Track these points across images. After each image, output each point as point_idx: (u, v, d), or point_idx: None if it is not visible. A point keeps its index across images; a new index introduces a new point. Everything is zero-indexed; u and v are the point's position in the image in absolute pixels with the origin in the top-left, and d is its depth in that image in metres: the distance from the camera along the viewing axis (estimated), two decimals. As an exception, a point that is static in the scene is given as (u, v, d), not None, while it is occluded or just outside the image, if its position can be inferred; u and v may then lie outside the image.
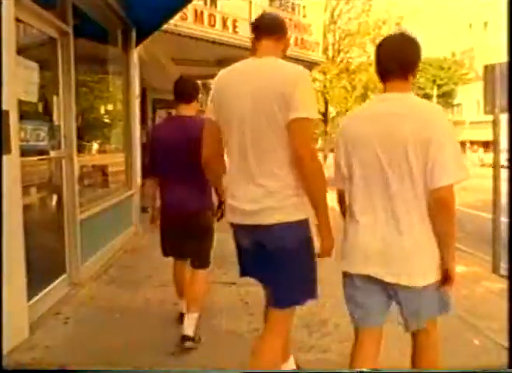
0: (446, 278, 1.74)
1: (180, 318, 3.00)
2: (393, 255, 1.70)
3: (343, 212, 1.99)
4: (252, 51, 2.01)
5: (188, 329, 2.82)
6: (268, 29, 1.97)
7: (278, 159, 1.82)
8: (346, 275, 1.88)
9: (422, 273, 1.71)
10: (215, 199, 2.92)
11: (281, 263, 1.85)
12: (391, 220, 1.71)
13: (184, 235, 2.91)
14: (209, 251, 2.97)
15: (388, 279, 1.72)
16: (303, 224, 1.85)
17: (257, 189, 1.82)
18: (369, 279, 1.77)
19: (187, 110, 2.93)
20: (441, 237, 1.70)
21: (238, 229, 1.97)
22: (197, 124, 2.56)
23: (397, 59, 1.77)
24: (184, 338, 2.80)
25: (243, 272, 2.08)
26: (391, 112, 1.73)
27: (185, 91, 2.93)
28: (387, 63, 1.79)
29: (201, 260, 2.95)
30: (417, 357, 1.92)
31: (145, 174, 2.87)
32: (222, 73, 2.01)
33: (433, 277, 1.72)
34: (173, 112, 4.11)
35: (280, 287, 1.88)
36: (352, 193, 1.83)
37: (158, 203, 3.04)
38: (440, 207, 1.65)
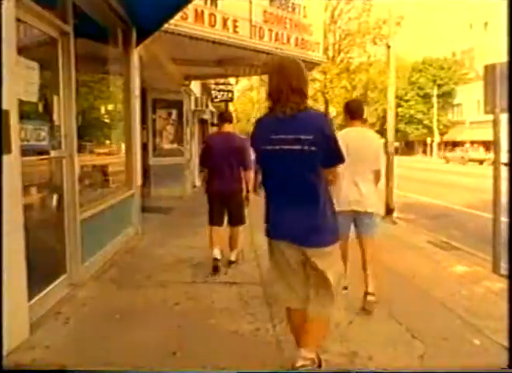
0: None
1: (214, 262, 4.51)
2: (362, 198, 3.55)
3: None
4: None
5: (232, 256, 4.78)
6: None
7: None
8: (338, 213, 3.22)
9: (372, 206, 3.62)
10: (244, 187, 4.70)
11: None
12: (362, 182, 3.56)
13: (225, 205, 4.71)
14: (243, 214, 4.79)
15: (360, 209, 3.57)
16: None
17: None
18: (350, 212, 3.53)
19: (230, 128, 4.79)
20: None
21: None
22: (237, 138, 4.75)
23: (361, 111, 3.77)
24: (230, 262, 4.72)
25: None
26: (363, 136, 3.65)
27: (230, 116, 4.91)
28: (356, 113, 3.70)
29: (238, 220, 4.76)
30: (364, 257, 3.63)
31: (200, 166, 5.03)
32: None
33: (377, 209, 3.72)
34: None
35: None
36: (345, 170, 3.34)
37: (205, 185, 4.83)
38: (377, 176, 3.71)
